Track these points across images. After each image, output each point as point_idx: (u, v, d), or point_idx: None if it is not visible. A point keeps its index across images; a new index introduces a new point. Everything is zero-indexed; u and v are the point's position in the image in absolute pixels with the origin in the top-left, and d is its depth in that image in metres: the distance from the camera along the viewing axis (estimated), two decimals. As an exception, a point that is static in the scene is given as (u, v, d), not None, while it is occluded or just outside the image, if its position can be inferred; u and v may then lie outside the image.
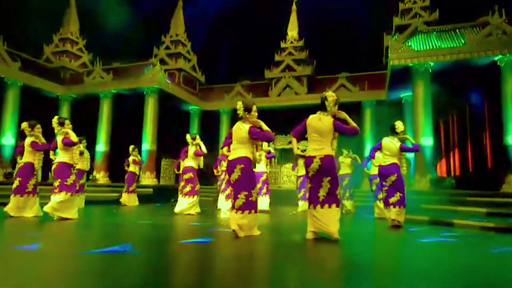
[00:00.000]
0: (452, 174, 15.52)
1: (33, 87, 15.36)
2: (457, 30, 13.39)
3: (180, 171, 7.48)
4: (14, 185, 5.62)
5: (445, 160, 16.51)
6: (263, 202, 8.14)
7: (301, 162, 8.09)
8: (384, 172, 5.35)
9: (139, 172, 11.00)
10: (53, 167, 5.47)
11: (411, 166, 12.49)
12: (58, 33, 19.13)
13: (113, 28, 18.32)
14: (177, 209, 7.06)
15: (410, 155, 13.21)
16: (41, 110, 14.55)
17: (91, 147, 10.96)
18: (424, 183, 11.64)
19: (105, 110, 16.16)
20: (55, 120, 5.57)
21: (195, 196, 7.15)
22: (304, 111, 3.92)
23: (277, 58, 18.27)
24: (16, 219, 5.32)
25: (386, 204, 5.36)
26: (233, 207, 3.88)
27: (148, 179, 14.75)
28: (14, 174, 5.87)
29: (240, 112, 3.99)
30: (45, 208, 5.23)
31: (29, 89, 15.13)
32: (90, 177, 14.83)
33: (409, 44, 12.76)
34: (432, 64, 12.19)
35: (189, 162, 7.25)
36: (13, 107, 14.50)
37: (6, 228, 4.66)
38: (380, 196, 5.41)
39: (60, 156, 5.47)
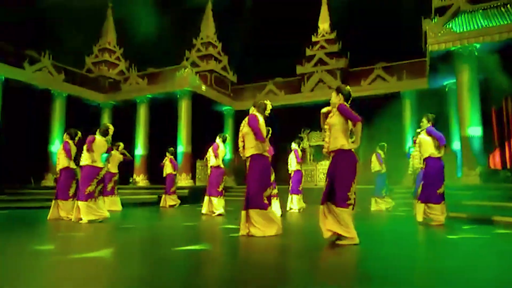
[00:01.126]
0: (508, 166, 14.13)
1: (76, 97, 16.33)
2: (508, 5, 12.10)
3: (208, 172, 7.45)
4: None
5: (499, 151, 15.09)
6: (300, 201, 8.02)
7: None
8: (442, 167, 5.06)
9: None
10: (103, 172, 5.63)
11: (457, 159, 11.58)
12: (98, 44, 20.18)
13: (147, 34, 18.94)
14: (221, 210, 6.98)
15: (457, 147, 12.29)
16: (85, 118, 15.45)
17: (129, 150, 11.37)
18: (473, 177, 10.67)
19: (142, 115, 16.78)
20: (113, 129, 5.95)
21: None
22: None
23: (308, 52, 17.82)
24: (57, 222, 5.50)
25: (442, 198, 4.97)
26: (268, 205, 3.93)
27: (184, 181, 15.07)
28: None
29: (268, 112, 4.15)
30: (87, 218, 5.30)
31: (73, 98, 16.11)
32: (131, 180, 15.46)
33: (450, 26, 11.77)
34: (478, 46, 11.15)
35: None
36: (59, 116, 15.53)
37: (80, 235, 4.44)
38: (440, 191, 5.04)
39: (102, 163, 5.72)
